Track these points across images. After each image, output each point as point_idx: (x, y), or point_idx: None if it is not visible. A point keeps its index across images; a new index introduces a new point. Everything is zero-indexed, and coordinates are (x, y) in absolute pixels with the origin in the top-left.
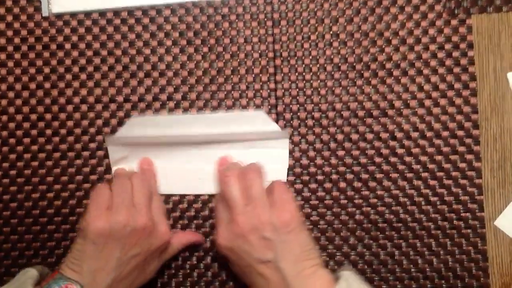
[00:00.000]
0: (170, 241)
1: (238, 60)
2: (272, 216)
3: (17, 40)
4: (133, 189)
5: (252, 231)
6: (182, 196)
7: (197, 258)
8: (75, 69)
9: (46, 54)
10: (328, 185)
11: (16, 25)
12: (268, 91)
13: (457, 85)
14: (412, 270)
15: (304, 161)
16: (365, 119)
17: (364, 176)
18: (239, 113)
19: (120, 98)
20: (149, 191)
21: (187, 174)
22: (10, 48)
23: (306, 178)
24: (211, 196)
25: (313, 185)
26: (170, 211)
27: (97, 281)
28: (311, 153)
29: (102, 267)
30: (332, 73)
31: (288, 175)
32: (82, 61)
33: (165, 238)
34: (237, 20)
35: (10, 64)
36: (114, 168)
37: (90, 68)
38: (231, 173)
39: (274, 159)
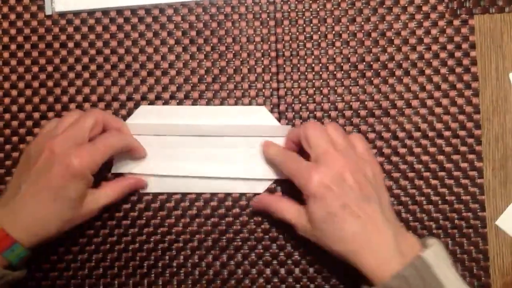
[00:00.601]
0: (77, 170)
1: (241, 59)
2: (366, 164)
3: (20, 39)
4: (75, 122)
5: (354, 170)
6: (184, 195)
7: (199, 257)
8: (78, 67)
9: (49, 53)
10: None
11: (19, 23)
12: (271, 90)
13: (459, 85)
14: None
15: None
16: (367, 119)
17: None
18: (241, 108)
19: (122, 97)
20: (88, 128)
21: (189, 172)
22: (13, 47)
23: None
24: (213, 195)
25: None
26: (172, 210)
27: (5, 194)
28: None
29: (12, 183)
30: (335, 72)
31: None
32: (85, 59)
33: (65, 164)
34: (239, 20)
35: (13, 62)
36: (116, 165)
37: (93, 67)
38: (315, 123)
39: None
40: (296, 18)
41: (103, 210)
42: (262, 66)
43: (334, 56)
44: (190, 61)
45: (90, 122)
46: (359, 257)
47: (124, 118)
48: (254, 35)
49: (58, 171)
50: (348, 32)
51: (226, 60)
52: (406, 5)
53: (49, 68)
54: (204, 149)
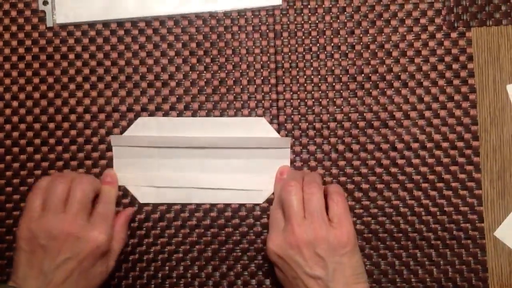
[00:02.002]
0: (105, 245)
1: (240, 71)
2: (330, 235)
3: (21, 50)
4: (70, 193)
5: (307, 244)
6: (184, 205)
7: (199, 267)
8: (79, 79)
9: (50, 64)
10: None
11: (21, 35)
12: (270, 101)
13: (457, 97)
14: (413, 280)
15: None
16: (365, 130)
17: (365, 186)
18: (241, 119)
19: (123, 108)
20: (87, 195)
21: (188, 183)
22: (14, 58)
23: None
24: (213, 206)
25: None
26: (171, 220)
27: (30, 287)
28: (312, 163)
29: (32, 274)
30: (333, 84)
31: None
32: (86, 71)
33: (94, 244)
34: (239, 32)
35: (14, 73)
36: (118, 175)
37: (93, 78)
38: (294, 182)
39: (275, 169)
40: (295, 30)
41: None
42: (262, 78)
43: (333, 68)
44: (190, 72)
45: (89, 191)
46: None
47: (124, 129)
48: (253, 47)
49: (89, 253)
50: (346, 44)
51: (226, 71)
52: (404, 17)
53: (50, 80)
54: (203, 160)
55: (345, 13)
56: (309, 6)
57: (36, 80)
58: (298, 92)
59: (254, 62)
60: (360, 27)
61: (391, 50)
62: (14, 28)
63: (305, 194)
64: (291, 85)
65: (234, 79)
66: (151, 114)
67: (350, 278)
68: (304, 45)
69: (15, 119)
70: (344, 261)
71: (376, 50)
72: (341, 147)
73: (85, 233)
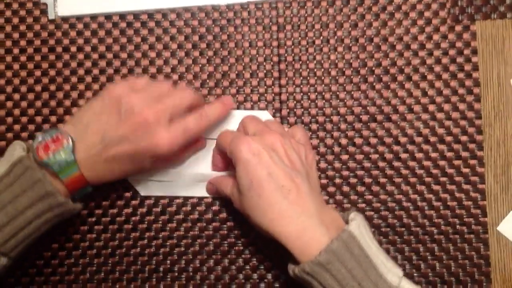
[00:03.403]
0: (164, 152)
1: (243, 64)
2: (301, 147)
3: (23, 43)
4: (169, 93)
5: (284, 144)
6: (186, 199)
7: (200, 261)
8: (81, 71)
9: (52, 57)
10: (331, 189)
11: (22, 27)
12: (273, 95)
13: (461, 91)
14: (415, 274)
15: None
16: (369, 124)
17: (368, 180)
18: (244, 112)
19: None
20: (179, 106)
21: (191, 176)
22: (16, 51)
23: None
24: (215, 199)
25: None
26: (173, 214)
27: (87, 138)
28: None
29: (96, 127)
30: (337, 77)
31: None
32: (88, 63)
33: (156, 145)
34: (242, 25)
35: (16, 66)
36: None
37: (95, 71)
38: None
39: None
40: (299, 23)
41: None
42: (265, 71)
43: (336, 61)
44: (193, 65)
45: (187, 102)
46: (278, 227)
47: None
48: (256, 40)
49: (145, 148)
50: (350, 37)
51: (229, 64)
52: (408, 10)
53: (52, 72)
54: (206, 153)
55: (349, 5)
56: None
57: (37, 73)
58: (301, 86)
59: (257, 55)
60: (364, 20)
61: (395, 43)
62: (15, 20)
63: (268, 123)
64: (294, 78)
65: (236, 72)
66: None
67: (318, 190)
68: (307, 38)
69: (16, 112)
70: (313, 175)
71: (380, 43)
72: (344, 141)
73: (156, 130)
